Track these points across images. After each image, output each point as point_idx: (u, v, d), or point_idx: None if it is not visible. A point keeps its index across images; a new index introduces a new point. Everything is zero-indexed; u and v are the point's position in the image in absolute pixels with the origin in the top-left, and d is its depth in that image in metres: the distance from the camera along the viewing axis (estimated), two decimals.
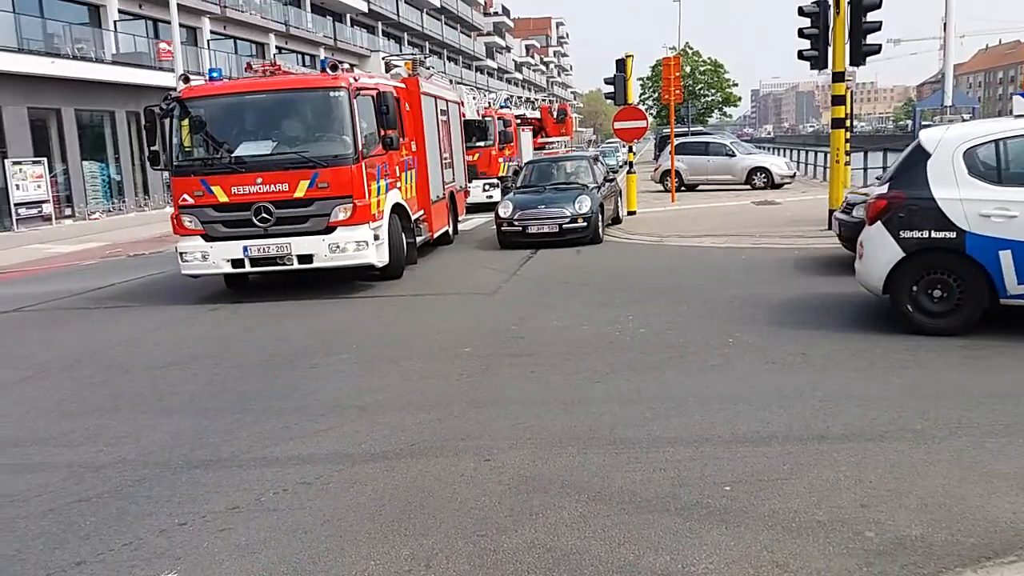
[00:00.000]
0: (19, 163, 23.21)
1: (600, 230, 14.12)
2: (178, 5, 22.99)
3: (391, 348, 7.52)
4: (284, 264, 10.17)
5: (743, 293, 9.09)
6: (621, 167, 35.57)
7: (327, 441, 5.11)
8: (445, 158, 14.99)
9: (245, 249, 10.13)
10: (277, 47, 38.93)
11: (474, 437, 4.96)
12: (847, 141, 19.11)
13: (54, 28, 25.69)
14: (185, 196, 10.19)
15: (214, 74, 11.40)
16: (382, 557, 3.56)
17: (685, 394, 5.56)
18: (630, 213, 18.12)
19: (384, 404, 5.78)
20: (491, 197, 21.41)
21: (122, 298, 11.52)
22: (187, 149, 10.46)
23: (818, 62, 13.21)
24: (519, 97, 31.05)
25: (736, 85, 60.89)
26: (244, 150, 10.20)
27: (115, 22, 28.41)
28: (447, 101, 15.82)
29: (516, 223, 13.83)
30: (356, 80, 10.53)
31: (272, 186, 9.90)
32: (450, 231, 15.24)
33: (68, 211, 25.44)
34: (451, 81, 25.09)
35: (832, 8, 12.57)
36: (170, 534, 3.92)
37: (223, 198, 10.01)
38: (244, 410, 5.87)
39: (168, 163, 10.46)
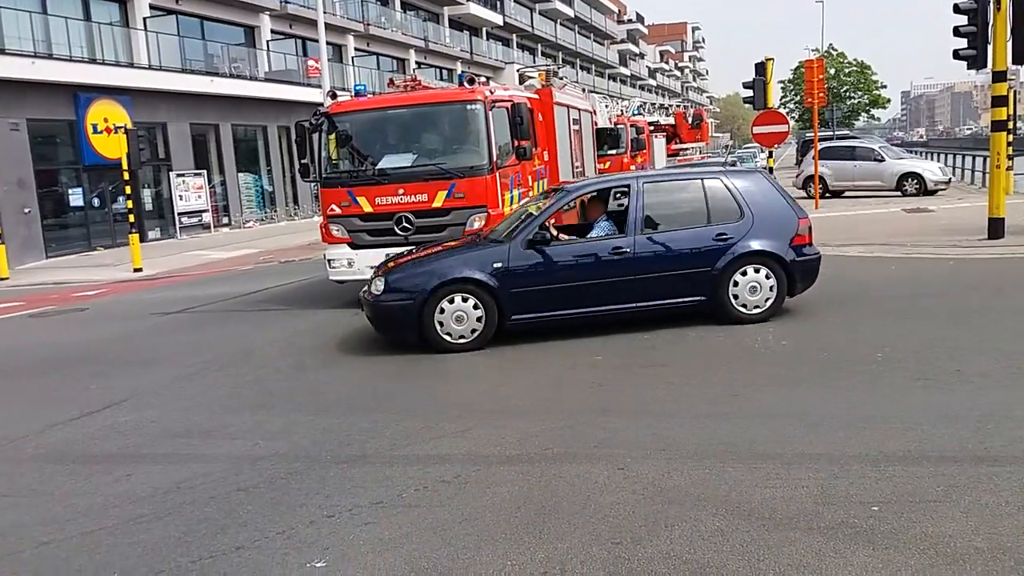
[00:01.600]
0: (182, 175, 25.11)
1: None
2: (325, 24, 24.20)
3: (523, 355, 7.63)
4: None
5: (891, 305, 8.65)
6: None
7: (464, 442, 5.26)
8: (577, 167, 15.04)
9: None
10: (417, 62, 40.27)
11: (607, 445, 4.97)
12: (1009, 144, 17.80)
13: (213, 49, 27.61)
14: (333, 206, 10.70)
15: (359, 88, 11.89)
16: (518, 558, 3.63)
17: (829, 410, 5.36)
18: None
19: (517, 409, 5.88)
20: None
21: (274, 301, 12.24)
22: (334, 162, 10.99)
23: (976, 61, 12.41)
24: (652, 104, 30.04)
25: (885, 87, 57.98)
26: (387, 162, 10.64)
27: (268, 42, 30.25)
28: (579, 110, 15.88)
29: None
30: (491, 93, 10.80)
31: (412, 196, 10.29)
32: None
33: (225, 220, 27.25)
34: (584, 90, 25.12)
35: (992, 4, 11.78)
36: (319, 525, 4.15)
37: (367, 208, 10.48)
38: (386, 409, 6.12)
39: (317, 175, 11.01)
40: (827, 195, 23.58)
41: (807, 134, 36.39)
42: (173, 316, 11.56)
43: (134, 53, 24.14)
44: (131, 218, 18.66)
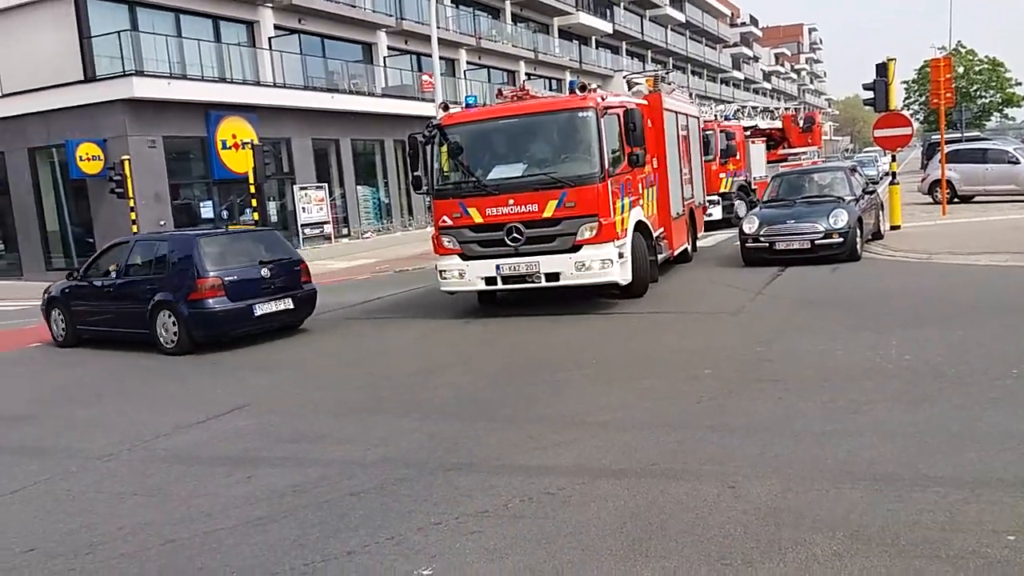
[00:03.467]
0: (305, 188, 26.18)
1: (858, 246, 13.18)
2: (438, 39, 24.74)
3: (630, 366, 7.54)
4: (532, 282, 10.43)
5: None
6: (882, 178, 32.95)
7: (568, 454, 5.23)
8: (685, 174, 14.78)
9: (497, 267, 10.48)
10: (527, 73, 40.60)
11: (716, 462, 4.83)
12: None
13: (333, 66, 28.69)
14: (445, 218, 10.71)
15: (470, 100, 11.96)
16: (623, 574, 3.57)
17: (959, 429, 5.04)
18: (893, 228, 16.74)
19: (623, 422, 5.81)
20: (710, 215, 20.51)
21: (388, 310, 12.58)
22: (446, 173, 11.00)
23: None
24: (755, 107, 28.20)
25: (1020, 84, 54.30)
26: (497, 173, 10.61)
27: (384, 58, 31.20)
28: (687, 116, 15.61)
29: (762, 239, 13.28)
30: (603, 99, 10.67)
31: (523, 207, 10.21)
32: (689, 248, 14.95)
33: (344, 231, 28.21)
34: (691, 95, 24.52)
35: None
36: (426, 532, 4.21)
37: (478, 219, 10.46)
38: (491, 418, 6.17)
39: (430, 187, 11.05)
40: (955, 200, 22.28)
41: (933, 136, 34.48)
42: None
43: (260, 72, 25.39)
44: None
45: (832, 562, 3.51)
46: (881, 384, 6.16)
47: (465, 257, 10.65)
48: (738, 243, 13.95)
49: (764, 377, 6.68)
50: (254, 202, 19.71)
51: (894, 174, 18.23)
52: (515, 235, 10.29)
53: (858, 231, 13.20)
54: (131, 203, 19.57)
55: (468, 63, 36.27)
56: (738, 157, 22.55)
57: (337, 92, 27.40)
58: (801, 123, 28.33)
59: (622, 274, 10.44)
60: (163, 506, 4.93)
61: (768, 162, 25.37)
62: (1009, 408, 5.38)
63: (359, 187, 29.31)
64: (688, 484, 4.53)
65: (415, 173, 11.34)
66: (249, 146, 19.53)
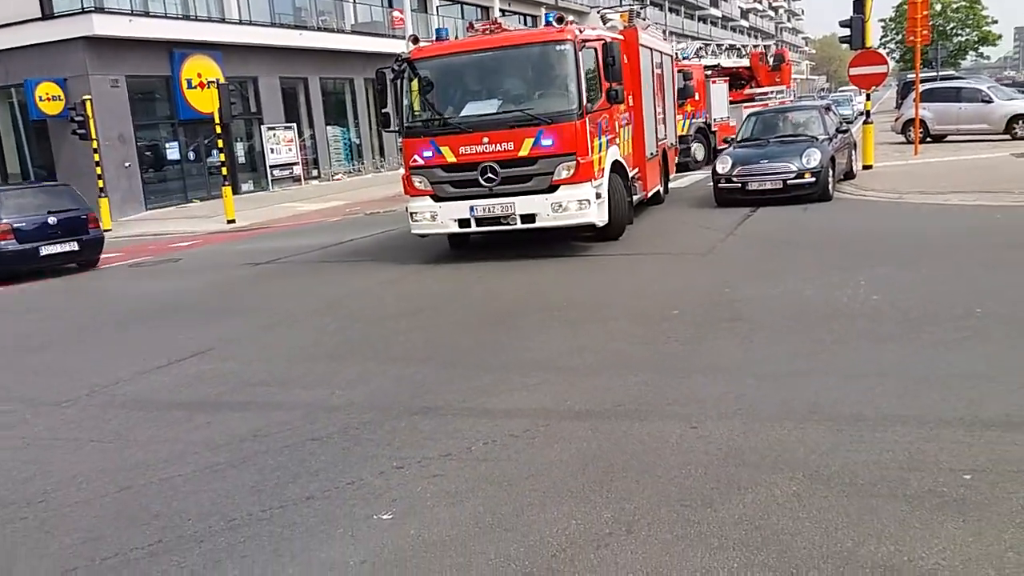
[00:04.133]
0: (273, 129, 25.63)
1: (830, 186, 13.15)
2: None
3: (599, 308, 7.50)
4: (508, 224, 10.15)
5: (995, 257, 8.11)
6: (856, 117, 32.77)
7: (535, 396, 5.20)
8: (659, 113, 14.54)
9: (471, 209, 10.15)
10: (501, 10, 39.67)
11: (681, 403, 4.82)
12: None
13: (301, 2, 27.85)
14: (415, 157, 10.27)
15: (442, 33, 11.38)
16: (584, 516, 3.56)
17: (922, 370, 5.05)
18: (865, 167, 16.71)
19: (591, 364, 5.78)
20: None
21: (358, 253, 12.42)
22: (417, 110, 10.51)
23: None
24: (718, 45, 26.45)
25: (995, 22, 54.22)
26: (471, 109, 10.20)
27: None
28: (662, 54, 15.30)
29: (735, 179, 13.19)
30: (581, 32, 10.28)
31: (498, 145, 9.83)
32: (661, 190, 14.78)
33: (314, 172, 27.77)
34: (665, 33, 23.75)
35: None
36: (388, 476, 4.17)
37: (451, 158, 10.04)
38: (459, 363, 6.12)
39: (399, 125, 10.59)
40: (928, 139, 22.28)
41: (908, 75, 34.27)
42: (262, 267, 11.87)
43: (225, 8, 24.60)
44: (224, 171, 19.22)
45: (791, 503, 3.51)
46: (848, 324, 6.17)
47: (437, 198, 10.30)
48: (711, 184, 13.86)
49: (732, 318, 6.67)
50: (220, 143, 19.27)
51: (868, 113, 18.13)
52: (489, 175, 9.92)
53: (830, 171, 13.16)
54: (94, 144, 19.05)
55: None
56: (697, 98, 21.20)
57: (305, 29, 26.69)
58: (770, 61, 26.70)
59: (599, 215, 10.19)
60: (120, 453, 4.85)
61: (734, 102, 24.21)
62: (972, 348, 5.40)
63: (329, 127, 28.78)
64: (652, 425, 4.52)
65: (384, 110, 10.95)
66: (215, 85, 18.99)
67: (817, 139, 13.57)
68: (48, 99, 20.06)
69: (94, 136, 18.97)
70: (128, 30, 20.56)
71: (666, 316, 6.88)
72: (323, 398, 5.53)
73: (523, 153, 9.79)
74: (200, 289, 10.52)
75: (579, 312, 7.39)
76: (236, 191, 22.28)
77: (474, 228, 10.38)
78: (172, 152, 23.08)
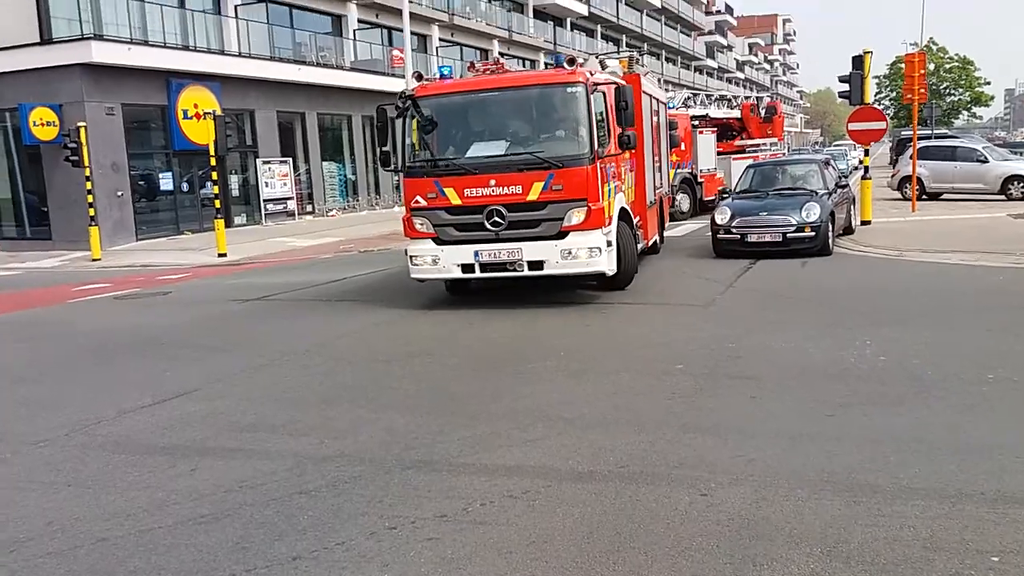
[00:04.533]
0: (268, 163, 25.54)
1: (830, 241, 13.09)
2: (410, 14, 24.19)
3: (599, 359, 7.31)
4: (514, 270, 9.73)
5: (1002, 320, 7.99)
6: (852, 172, 33.00)
7: (535, 453, 4.98)
8: (656, 160, 14.50)
9: (476, 254, 9.70)
10: (500, 52, 40.06)
11: (689, 466, 4.61)
12: None
13: (301, 37, 27.96)
14: (418, 198, 9.85)
15: (444, 70, 10.94)
16: None
17: (937, 438, 4.87)
18: (864, 223, 16.72)
19: (592, 419, 5.57)
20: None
21: (351, 293, 12.21)
22: (420, 150, 10.13)
23: None
24: (708, 95, 25.90)
25: (988, 83, 55.15)
26: (477, 150, 9.85)
27: (354, 31, 30.51)
28: (659, 101, 15.31)
29: (734, 230, 13.13)
30: (591, 75, 10.05)
31: (505, 188, 9.47)
32: (658, 240, 14.64)
33: (308, 207, 27.63)
34: (660, 80, 23.60)
35: None
36: (380, 537, 3.93)
37: (455, 200, 9.64)
38: (455, 412, 5.90)
39: (401, 163, 10.18)
40: (924, 197, 22.40)
41: (903, 132, 34.68)
42: (251, 303, 11.64)
43: (225, 40, 24.64)
44: (217, 203, 19.06)
45: None
46: (856, 385, 6.00)
47: (439, 241, 9.83)
48: (708, 234, 13.77)
49: (736, 374, 6.49)
50: (215, 175, 19.14)
51: (866, 168, 18.21)
52: (496, 219, 9.51)
53: (830, 225, 13.11)
54: (87, 172, 18.88)
55: (441, 40, 35.69)
56: (683, 148, 20.63)
57: (304, 64, 26.75)
58: (762, 113, 26.37)
59: (609, 264, 9.80)
60: (97, 499, 4.59)
61: (723, 153, 23.76)
62: (987, 416, 5.23)
63: (325, 163, 28.74)
64: (659, 490, 4.31)
65: (383, 148, 10.51)
66: (211, 116, 18.92)
67: (817, 193, 13.55)
68: (42, 124, 19.93)
69: (87, 163, 18.82)
70: (126, 58, 20.52)
71: (669, 370, 6.70)
72: (312, 447, 5.30)
73: (532, 197, 9.43)
74: (188, 324, 10.28)
75: (579, 362, 7.20)
76: (229, 224, 22.12)
77: (478, 274, 9.91)
78: (165, 182, 22.92)
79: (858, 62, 17.45)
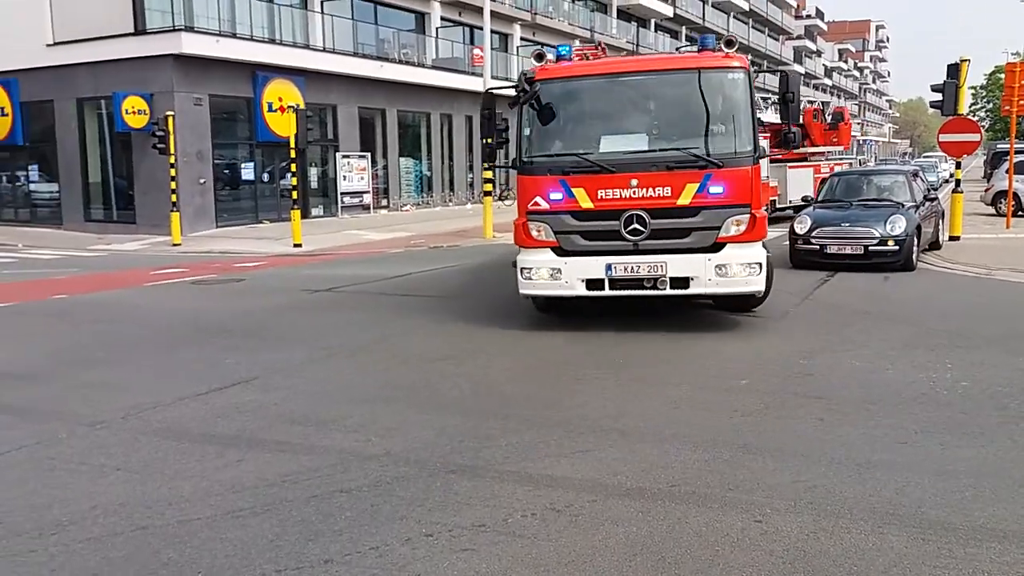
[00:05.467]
0: (347, 156, 25.94)
1: (914, 256, 12.46)
2: (492, 13, 24.16)
3: (661, 369, 7.07)
4: (653, 288, 8.26)
5: None
6: (941, 185, 31.58)
7: (582, 465, 4.80)
8: None
9: (608, 268, 8.21)
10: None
11: (744, 489, 4.36)
12: None
13: (384, 34, 28.30)
14: (537, 199, 8.33)
15: (562, 50, 9.14)
16: None
17: (1020, 474, 4.49)
18: (952, 238, 15.91)
19: (646, 432, 5.35)
20: None
21: (415, 288, 12.21)
22: (541, 143, 8.55)
23: None
24: (764, 98, 23.72)
25: None
26: (612, 144, 8.38)
27: (437, 29, 30.71)
28: None
29: (813, 241, 12.64)
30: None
31: (650, 190, 8.03)
32: None
33: (384, 202, 27.96)
34: None
35: None
36: (414, 544, 3.82)
37: (586, 204, 8.17)
38: (506, 416, 5.76)
39: (517, 158, 8.66)
40: (1020, 214, 21.23)
41: (998, 145, 32.97)
42: (320, 294, 11.75)
43: (310, 35, 25.12)
44: (294, 195, 19.42)
45: None
46: (934, 412, 5.62)
47: (562, 252, 8.32)
48: (786, 243, 13.31)
49: (805, 393, 6.17)
50: (294, 167, 19.50)
51: (958, 181, 17.33)
52: (636, 226, 8.07)
53: (915, 240, 12.49)
54: (172, 159, 19.46)
55: (522, 39, 35.60)
56: None
57: (387, 61, 27.04)
58: (827, 119, 24.60)
59: (760, 284, 8.34)
60: (144, 485, 4.61)
61: (777, 160, 21.78)
62: None
63: (402, 159, 29.01)
64: (711, 513, 4.07)
65: (487, 140, 9.18)
66: (293, 110, 19.28)
67: (903, 205, 12.94)
68: (134, 112, 20.64)
69: (172, 151, 19.39)
70: (215, 50, 21.09)
71: (733, 385, 6.42)
72: (359, 445, 5.23)
73: (683, 201, 7.99)
74: (257, 312, 10.42)
75: (639, 372, 6.97)
76: (306, 215, 22.51)
77: (607, 291, 8.34)
78: (247, 172, 23.48)
79: (953, 71, 16.62)
